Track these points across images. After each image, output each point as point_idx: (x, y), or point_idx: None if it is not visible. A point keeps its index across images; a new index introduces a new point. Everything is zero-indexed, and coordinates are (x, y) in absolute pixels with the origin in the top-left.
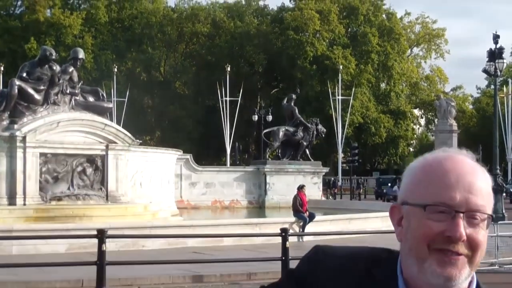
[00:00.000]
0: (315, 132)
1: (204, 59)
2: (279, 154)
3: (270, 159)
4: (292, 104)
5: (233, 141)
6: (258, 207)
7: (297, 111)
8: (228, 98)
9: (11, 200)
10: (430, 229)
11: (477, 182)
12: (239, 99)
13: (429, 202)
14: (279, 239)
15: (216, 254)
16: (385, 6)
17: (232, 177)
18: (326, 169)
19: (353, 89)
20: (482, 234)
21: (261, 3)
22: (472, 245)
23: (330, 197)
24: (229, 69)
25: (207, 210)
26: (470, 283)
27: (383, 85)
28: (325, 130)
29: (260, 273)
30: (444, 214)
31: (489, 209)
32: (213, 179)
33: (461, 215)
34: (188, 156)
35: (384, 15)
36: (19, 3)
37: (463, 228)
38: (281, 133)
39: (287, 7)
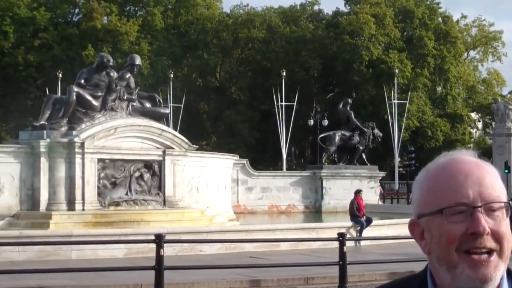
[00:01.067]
0: (371, 136)
1: (259, 64)
2: (335, 159)
3: (326, 163)
4: (348, 108)
5: (289, 146)
6: (314, 212)
7: (353, 115)
8: (283, 103)
9: (70, 205)
10: (453, 232)
11: (486, 176)
12: (295, 104)
13: (445, 205)
14: (336, 244)
15: (273, 258)
16: (441, 10)
17: (289, 182)
18: (382, 174)
19: (409, 93)
20: (504, 224)
21: (316, 8)
22: (497, 237)
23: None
24: (284, 74)
25: (263, 215)
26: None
27: (439, 89)
28: (381, 134)
29: (318, 277)
30: (463, 214)
31: (504, 198)
32: (269, 184)
33: (479, 209)
34: (244, 161)
35: (440, 19)
36: (76, 10)
37: (485, 222)
38: (337, 138)
39: (342, 12)
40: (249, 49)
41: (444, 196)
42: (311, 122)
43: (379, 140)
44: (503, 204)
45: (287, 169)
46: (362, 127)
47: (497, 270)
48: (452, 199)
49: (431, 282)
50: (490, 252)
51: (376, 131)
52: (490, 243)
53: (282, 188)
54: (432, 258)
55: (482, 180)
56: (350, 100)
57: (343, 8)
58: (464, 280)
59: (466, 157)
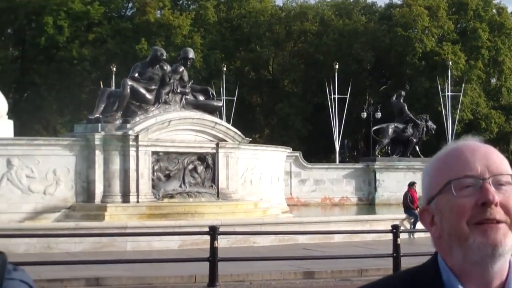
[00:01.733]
0: (424, 129)
1: (312, 57)
2: (389, 151)
3: (379, 156)
4: (401, 100)
5: (342, 138)
6: (368, 204)
7: (406, 107)
8: (336, 96)
9: (125, 197)
10: (463, 205)
11: (493, 152)
12: (348, 96)
13: (453, 178)
14: (390, 236)
15: (326, 250)
16: (495, 1)
17: (342, 174)
18: None
19: (463, 85)
20: None
21: (369, 0)
22: (506, 210)
23: None
24: (337, 66)
25: (317, 207)
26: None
27: (493, 81)
28: (434, 126)
29: (372, 269)
30: (472, 188)
31: (510, 171)
32: (322, 176)
33: (487, 181)
34: (297, 153)
35: (494, 10)
36: (130, 5)
37: (494, 192)
38: (390, 130)
39: (395, 4)
40: (301, 42)
41: (452, 171)
42: (364, 114)
43: (433, 132)
44: (510, 178)
45: (340, 162)
46: (416, 120)
47: (507, 238)
48: (460, 172)
49: (444, 266)
50: (499, 222)
51: (429, 123)
52: (500, 215)
53: (335, 181)
54: (442, 240)
55: (489, 155)
56: (403, 93)
57: (396, 0)
58: (476, 250)
59: (473, 141)
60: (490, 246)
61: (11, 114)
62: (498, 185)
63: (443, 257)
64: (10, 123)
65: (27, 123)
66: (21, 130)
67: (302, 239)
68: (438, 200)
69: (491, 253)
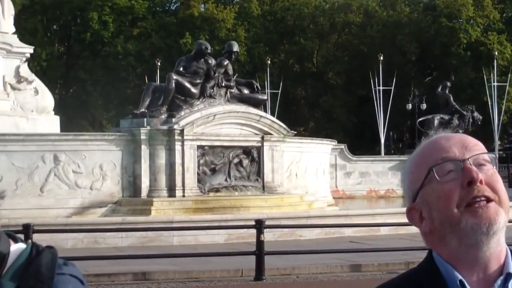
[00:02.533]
0: (470, 120)
1: (356, 49)
2: None
3: None
4: (447, 91)
5: (387, 130)
6: None
7: (452, 98)
8: (381, 88)
9: (171, 192)
10: (449, 190)
11: (467, 137)
12: (392, 88)
13: (432, 164)
14: None
15: (373, 243)
16: None
17: (387, 166)
18: None
19: (509, 75)
20: (496, 174)
21: None
22: (492, 187)
23: None
24: (381, 58)
25: (362, 199)
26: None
27: None
28: (480, 117)
29: (418, 262)
30: (454, 172)
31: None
32: (368, 169)
33: (468, 161)
34: (342, 146)
35: None
36: None
37: (476, 170)
38: (436, 121)
39: None
40: (346, 34)
41: (430, 160)
42: (409, 106)
43: (479, 123)
44: (488, 157)
45: (385, 154)
46: (461, 110)
47: (499, 215)
48: (438, 157)
49: (440, 260)
50: (488, 201)
51: (475, 114)
52: (487, 192)
53: (381, 173)
54: (434, 232)
55: (464, 138)
56: (448, 83)
57: None
58: (470, 231)
59: (448, 132)
60: (484, 225)
61: (57, 110)
62: (479, 165)
63: (437, 251)
64: (57, 118)
65: (73, 119)
66: (67, 125)
67: (348, 232)
68: (422, 192)
69: (485, 232)
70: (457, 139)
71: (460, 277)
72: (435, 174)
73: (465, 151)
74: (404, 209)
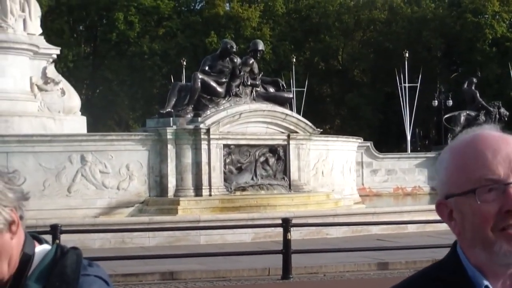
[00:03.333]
0: (497, 116)
1: (381, 46)
2: None
3: None
4: (473, 88)
5: (413, 127)
6: None
7: (478, 94)
8: (407, 84)
9: (197, 191)
10: (487, 212)
11: None
12: (418, 84)
13: (476, 185)
14: None
15: (400, 241)
16: None
17: (414, 163)
18: None
19: None
20: None
21: None
22: None
23: None
24: (407, 54)
25: (389, 197)
26: None
27: None
28: (507, 113)
29: None
30: (495, 192)
31: None
32: (394, 166)
33: (511, 185)
34: (368, 143)
35: None
36: None
37: None
38: (462, 118)
39: None
40: (371, 31)
41: (473, 174)
42: (435, 102)
43: (505, 119)
44: None
45: (411, 151)
46: (488, 107)
47: None
48: (482, 177)
49: (467, 262)
50: None
51: (502, 110)
52: None
53: (407, 170)
54: (464, 238)
55: (510, 155)
56: (474, 80)
57: None
58: (502, 256)
59: (491, 132)
60: None
61: (84, 110)
62: None
63: (465, 252)
64: (83, 119)
65: (100, 119)
66: (94, 126)
67: (375, 229)
68: (458, 200)
69: None
70: (504, 155)
71: (486, 283)
72: (476, 197)
73: (510, 172)
74: (432, 207)
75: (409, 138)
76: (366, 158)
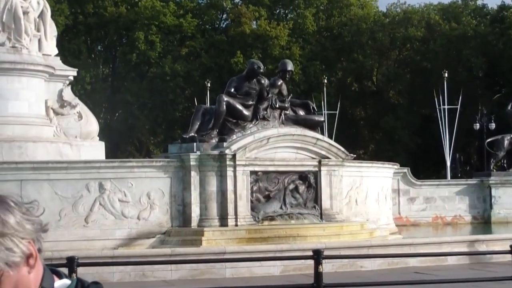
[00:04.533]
0: None
1: (418, 65)
2: (505, 165)
3: (494, 170)
4: None
5: (453, 152)
6: (483, 223)
7: None
8: (446, 106)
9: (223, 221)
10: None
11: None
12: (458, 106)
13: None
14: (509, 257)
15: (440, 274)
16: None
17: (454, 190)
18: None
19: None
20: None
21: (479, 2)
22: None
23: None
24: (446, 75)
25: (427, 227)
26: None
27: None
28: None
29: None
30: None
31: None
32: (433, 194)
33: None
34: (405, 169)
35: None
36: (224, 16)
37: None
38: (506, 142)
39: (509, 5)
40: (407, 49)
41: None
42: (477, 126)
43: None
44: None
45: (451, 177)
46: None
47: None
48: None
49: None
50: None
51: None
52: None
53: (447, 198)
54: None
55: None
56: None
57: (509, 1)
58: None
59: None
60: None
61: (103, 135)
62: None
63: None
64: (102, 144)
65: (119, 144)
66: (113, 151)
67: (412, 262)
68: None
69: None
70: None
71: None
72: None
73: None
74: (473, 237)
75: (448, 163)
76: (402, 185)
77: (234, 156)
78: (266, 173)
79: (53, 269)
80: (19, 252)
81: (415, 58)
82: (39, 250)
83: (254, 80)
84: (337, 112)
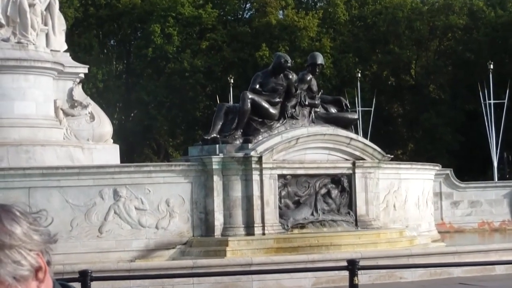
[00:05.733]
0: None
1: (461, 57)
2: None
3: None
4: None
5: (500, 151)
6: None
7: None
8: (492, 101)
9: (249, 229)
10: None
11: None
12: (506, 101)
13: None
14: None
15: (487, 285)
16: None
17: (502, 193)
18: None
19: None
20: None
21: None
22: None
23: None
24: (491, 66)
25: (473, 233)
26: None
27: None
28: None
29: None
30: None
31: None
32: (478, 197)
33: None
34: (448, 171)
35: None
36: (248, 6)
37: None
38: None
39: None
40: (448, 39)
41: None
42: None
43: None
44: None
45: (499, 179)
46: None
47: None
48: None
49: None
50: None
51: None
52: None
53: (494, 202)
54: None
55: None
56: None
57: None
58: None
59: None
60: None
61: (117, 137)
62: None
63: None
64: (116, 147)
65: (135, 147)
66: (128, 155)
67: (457, 272)
68: None
69: None
70: None
71: None
72: None
73: None
74: None
75: (495, 164)
76: (445, 188)
77: (260, 158)
78: (295, 176)
79: (64, 284)
80: (27, 265)
81: (457, 48)
82: (48, 263)
83: (281, 75)
84: (372, 108)
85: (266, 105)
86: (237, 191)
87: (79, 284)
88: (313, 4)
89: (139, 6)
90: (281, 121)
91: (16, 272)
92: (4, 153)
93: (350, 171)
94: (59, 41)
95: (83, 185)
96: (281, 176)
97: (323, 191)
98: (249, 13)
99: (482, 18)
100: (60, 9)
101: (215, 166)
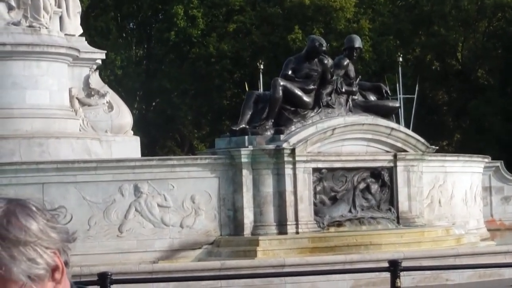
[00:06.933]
0: None
1: None
2: None
3: None
4: None
5: None
6: None
7: None
8: None
9: (281, 228)
10: None
11: None
12: None
13: None
14: None
15: None
16: None
17: None
18: None
19: None
20: None
21: None
22: None
23: None
24: None
25: None
26: None
27: None
28: None
29: None
30: None
31: None
32: None
33: None
34: (498, 163)
35: None
36: None
37: None
38: None
39: None
40: (498, 19)
41: None
42: None
43: None
44: None
45: None
46: None
47: None
48: None
49: None
50: None
51: None
52: None
53: None
54: None
55: None
56: None
57: None
58: None
59: None
60: None
61: (137, 128)
62: None
63: None
64: (137, 139)
65: (157, 139)
66: (150, 148)
67: (508, 273)
68: None
69: None
70: None
71: None
72: None
73: None
74: None
75: None
76: (495, 182)
77: (293, 150)
78: (331, 170)
79: (82, 287)
80: (43, 263)
81: (508, 29)
82: (66, 264)
83: (316, 60)
84: (415, 96)
85: (299, 92)
86: (268, 186)
87: (98, 287)
88: None
89: None
90: (315, 110)
91: (31, 270)
92: (15, 147)
93: (391, 164)
94: (74, 25)
95: (102, 180)
96: (316, 170)
97: (362, 185)
98: None
99: None
100: None
101: (244, 160)
